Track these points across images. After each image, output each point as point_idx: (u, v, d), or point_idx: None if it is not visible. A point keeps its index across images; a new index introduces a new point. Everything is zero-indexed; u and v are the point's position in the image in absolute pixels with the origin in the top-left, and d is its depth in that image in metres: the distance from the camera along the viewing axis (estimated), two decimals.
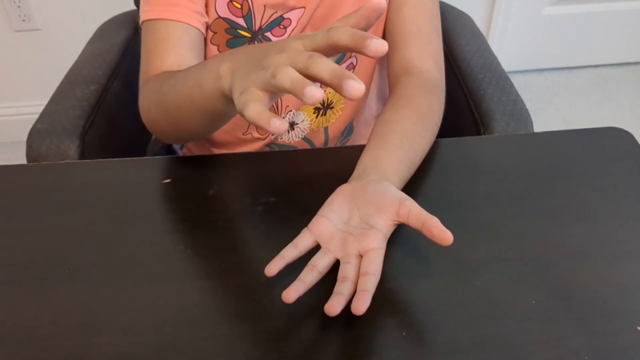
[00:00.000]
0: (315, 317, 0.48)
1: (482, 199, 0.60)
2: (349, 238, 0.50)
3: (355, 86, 0.38)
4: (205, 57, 0.75)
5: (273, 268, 0.49)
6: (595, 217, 0.57)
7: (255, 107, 0.41)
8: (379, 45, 0.39)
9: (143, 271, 0.53)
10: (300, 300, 0.48)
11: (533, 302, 0.49)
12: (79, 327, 0.48)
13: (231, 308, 0.49)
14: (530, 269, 0.52)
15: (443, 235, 0.47)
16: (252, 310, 0.49)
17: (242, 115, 0.43)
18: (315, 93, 0.38)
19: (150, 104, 0.64)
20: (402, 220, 0.50)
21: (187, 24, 0.68)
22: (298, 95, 0.39)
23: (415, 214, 0.49)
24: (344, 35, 0.40)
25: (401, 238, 0.54)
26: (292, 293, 0.47)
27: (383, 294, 0.49)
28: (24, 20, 1.58)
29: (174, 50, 0.67)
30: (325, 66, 0.40)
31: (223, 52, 0.56)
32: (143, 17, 0.69)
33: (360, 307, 0.45)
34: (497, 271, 0.52)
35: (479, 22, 1.85)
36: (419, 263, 0.53)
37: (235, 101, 0.45)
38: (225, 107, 0.53)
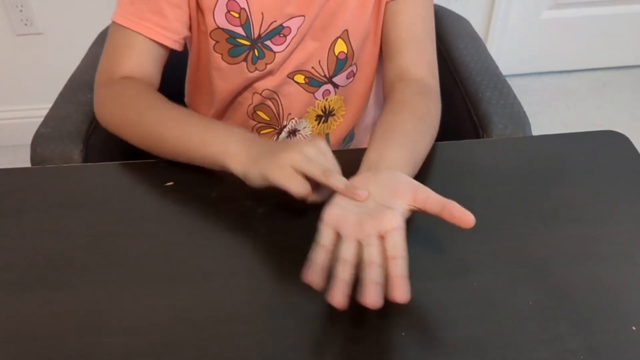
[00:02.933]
0: (315, 318, 0.49)
1: (480, 201, 0.60)
2: (366, 218, 0.49)
3: (364, 193, 0.52)
4: (208, 64, 0.77)
5: (317, 279, 0.47)
6: (591, 219, 0.58)
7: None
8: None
9: (146, 272, 0.54)
10: (301, 302, 0.49)
11: (530, 302, 0.50)
12: (83, 327, 0.49)
13: (233, 309, 0.50)
14: (527, 269, 0.53)
15: (465, 216, 0.47)
16: (253, 311, 0.50)
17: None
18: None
19: (126, 119, 0.68)
20: (419, 205, 0.50)
21: (153, 40, 0.70)
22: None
23: (434, 198, 0.49)
24: (335, 181, 0.52)
25: None
26: (340, 297, 0.45)
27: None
28: (25, 25, 1.59)
29: (138, 59, 0.71)
30: (339, 181, 0.52)
31: (227, 127, 0.63)
32: (114, 18, 0.71)
33: (404, 295, 0.44)
34: (495, 272, 0.53)
35: (478, 27, 1.86)
36: (418, 264, 0.53)
37: (270, 175, 0.54)
38: (214, 167, 0.61)
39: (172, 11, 0.70)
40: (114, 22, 0.72)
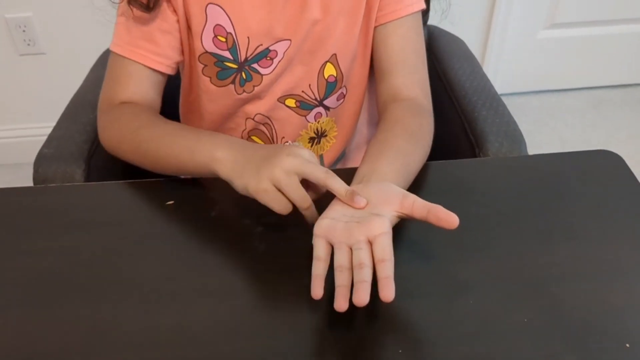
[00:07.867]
0: (313, 335, 0.50)
1: (475, 220, 0.61)
2: (354, 225, 0.52)
3: (362, 201, 0.53)
4: (199, 88, 0.78)
5: (318, 290, 0.49)
6: (584, 238, 0.59)
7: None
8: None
9: (147, 290, 0.54)
10: (299, 318, 0.50)
11: (525, 320, 0.50)
12: (85, 344, 0.49)
13: (232, 326, 0.51)
14: (522, 287, 0.53)
15: (450, 217, 0.50)
16: (253, 328, 0.50)
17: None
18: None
19: (122, 139, 0.71)
20: (406, 211, 0.52)
21: (150, 67, 0.73)
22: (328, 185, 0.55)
23: (420, 203, 0.52)
24: (336, 184, 0.55)
25: (396, 259, 0.55)
26: (342, 301, 0.47)
27: (379, 313, 0.51)
28: (28, 45, 1.61)
29: (136, 85, 0.74)
30: (341, 185, 0.54)
31: (216, 134, 0.65)
32: (111, 47, 0.74)
33: (390, 294, 0.46)
34: (490, 290, 0.53)
35: (475, 46, 1.88)
36: (414, 282, 0.54)
37: (254, 193, 0.56)
38: (206, 175, 0.62)
39: (163, 37, 0.73)
40: (111, 51, 0.75)
